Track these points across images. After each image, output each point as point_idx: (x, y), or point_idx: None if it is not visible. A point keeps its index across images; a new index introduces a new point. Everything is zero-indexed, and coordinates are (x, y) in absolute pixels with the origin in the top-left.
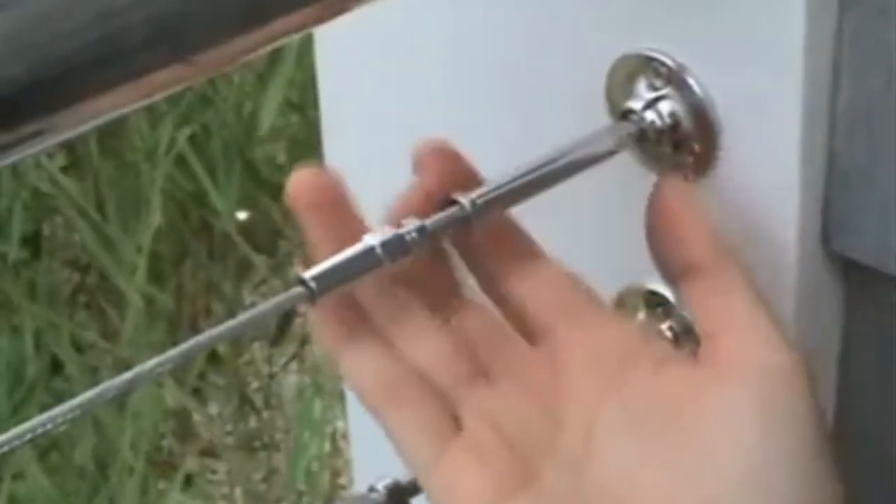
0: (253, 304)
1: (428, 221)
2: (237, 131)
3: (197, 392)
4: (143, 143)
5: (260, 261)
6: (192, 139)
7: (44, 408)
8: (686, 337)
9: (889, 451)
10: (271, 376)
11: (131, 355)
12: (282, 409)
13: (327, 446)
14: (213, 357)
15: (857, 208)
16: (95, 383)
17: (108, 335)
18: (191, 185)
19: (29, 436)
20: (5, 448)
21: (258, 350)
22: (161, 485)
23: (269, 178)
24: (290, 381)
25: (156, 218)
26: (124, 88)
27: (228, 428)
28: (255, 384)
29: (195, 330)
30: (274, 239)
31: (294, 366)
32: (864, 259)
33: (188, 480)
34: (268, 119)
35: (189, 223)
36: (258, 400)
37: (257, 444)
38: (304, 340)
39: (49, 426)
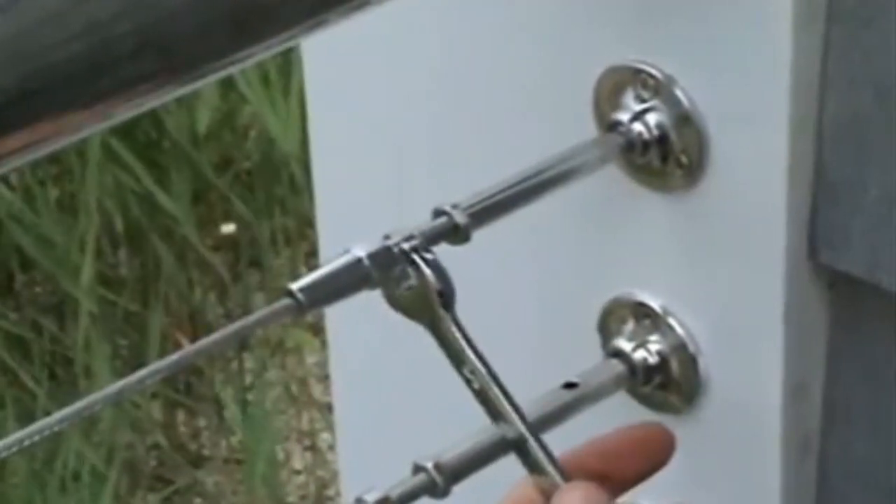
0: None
1: (417, 232)
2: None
3: (181, 405)
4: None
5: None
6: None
7: None
8: (674, 353)
9: (876, 463)
10: (256, 387)
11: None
12: (266, 421)
13: (313, 458)
14: (195, 369)
15: (844, 221)
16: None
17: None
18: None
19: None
20: None
21: (245, 361)
22: (150, 497)
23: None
24: (275, 392)
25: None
26: (112, 99)
27: (214, 440)
28: (239, 396)
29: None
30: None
31: (279, 377)
32: (853, 271)
33: (175, 493)
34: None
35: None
36: (242, 412)
37: (242, 455)
38: (290, 351)
39: (34, 438)
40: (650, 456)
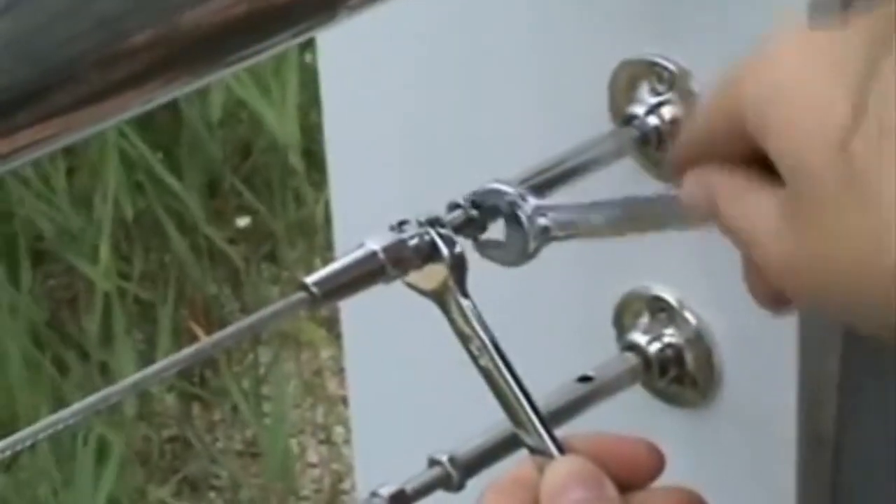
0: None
1: (430, 226)
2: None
3: (196, 398)
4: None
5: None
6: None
7: None
8: (689, 347)
9: (891, 456)
10: (271, 381)
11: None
12: (282, 414)
13: (328, 451)
14: (210, 362)
15: None
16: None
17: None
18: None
19: (29, 441)
20: (7, 453)
21: (260, 354)
22: (164, 490)
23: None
24: (291, 386)
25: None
26: (124, 94)
27: (229, 433)
28: (255, 389)
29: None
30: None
31: (295, 370)
32: None
33: (190, 486)
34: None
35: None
36: (258, 405)
37: (257, 449)
38: (306, 346)
39: (49, 431)
40: (632, 471)
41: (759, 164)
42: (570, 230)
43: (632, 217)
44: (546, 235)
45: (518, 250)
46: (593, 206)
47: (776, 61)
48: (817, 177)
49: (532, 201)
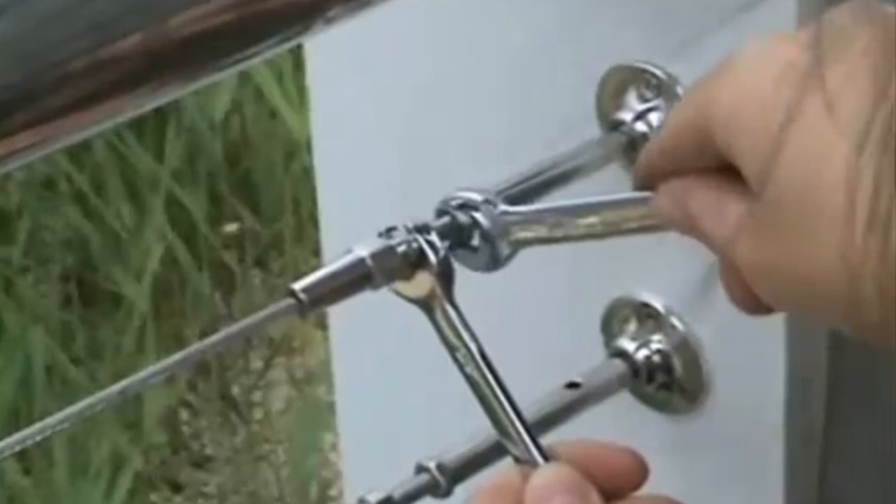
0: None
1: (418, 232)
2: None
3: (186, 403)
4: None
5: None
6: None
7: None
8: (676, 353)
9: (879, 460)
10: (260, 388)
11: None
12: (270, 421)
13: (317, 458)
14: (201, 367)
15: None
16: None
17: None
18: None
19: (19, 446)
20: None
21: (250, 361)
22: (153, 497)
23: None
24: (280, 392)
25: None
26: (118, 97)
27: (218, 440)
28: (243, 396)
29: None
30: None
31: (284, 377)
32: None
33: (180, 493)
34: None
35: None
36: (247, 412)
37: (246, 456)
38: (295, 352)
39: (40, 436)
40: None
41: (729, 170)
42: (539, 234)
43: (603, 222)
44: (516, 241)
45: (487, 257)
46: (562, 211)
47: (737, 71)
48: (778, 183)
49: (500, 207)
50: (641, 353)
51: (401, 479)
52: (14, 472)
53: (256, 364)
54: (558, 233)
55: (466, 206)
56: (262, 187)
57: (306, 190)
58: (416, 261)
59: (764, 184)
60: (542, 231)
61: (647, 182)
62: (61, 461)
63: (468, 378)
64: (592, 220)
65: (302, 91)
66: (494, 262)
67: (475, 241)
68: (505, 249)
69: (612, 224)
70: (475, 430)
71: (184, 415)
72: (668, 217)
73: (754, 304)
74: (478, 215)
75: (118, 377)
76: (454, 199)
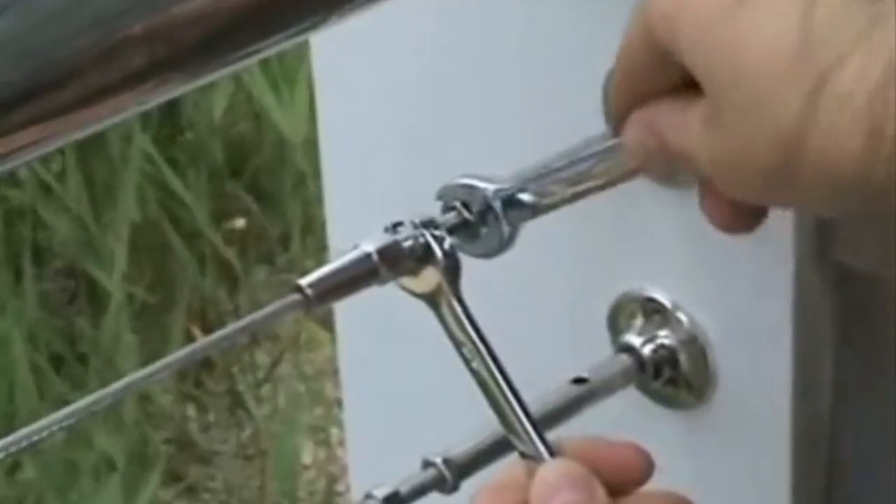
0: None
1: (424, 227)
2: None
3: (192, 399)
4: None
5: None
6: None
7: None
8: (683, 348)
9: (886, 455)
10: (266, 383)
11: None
12: (277, 417)
13: (323, 453)
14: (207, 363)
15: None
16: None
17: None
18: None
19: (24, 442)
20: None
21: (256, 356)
22: (160, 493)
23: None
24: (285, 387)
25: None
26: (121, 94)
27: (224, 435)
28: (250, 391)
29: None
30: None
31: (289, 372)
32: (865, 266)
33: (186, 488)
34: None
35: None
36: (253, 407)
37: (252, 451)
38: (301, 347)
39: (44, 433)
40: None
41: (691, 85)
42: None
43: (588, 175)
44: (516, 214)
45: (495, 241)
46: (547, 175)
47: None
48: (725, 80)
49: (492, 185)
50: (648, 348)
51: (407, 474)
52: (18, 469)
53: (263, 360)
54: (549, 200)
55: (466, 188)
56: (263, 185)
57: (299, 192)
58: (423, 256)
59: (711, 74)
60: (540, 199)
61: (621, 121)
62: (65, 456)
63: (474, 373)
64: (573, 176)
65: (294, 91)
66: (500, 244)
67: (482, 229)
68: (506, 228)
69: (595, 177)
70: (481, 425)
71: (190, 410)
72: (641, 146)
73: (731, 220)
74: (477, 191)
75: (120, 376)
76: (448, 187)
